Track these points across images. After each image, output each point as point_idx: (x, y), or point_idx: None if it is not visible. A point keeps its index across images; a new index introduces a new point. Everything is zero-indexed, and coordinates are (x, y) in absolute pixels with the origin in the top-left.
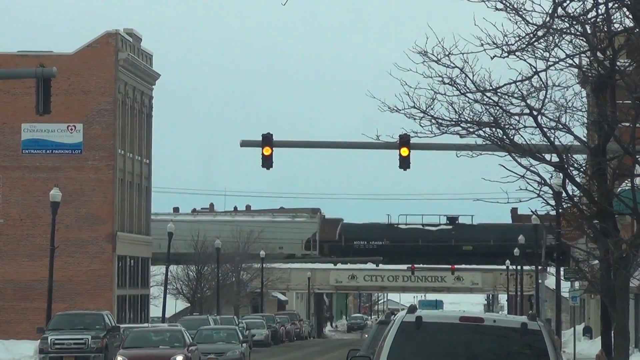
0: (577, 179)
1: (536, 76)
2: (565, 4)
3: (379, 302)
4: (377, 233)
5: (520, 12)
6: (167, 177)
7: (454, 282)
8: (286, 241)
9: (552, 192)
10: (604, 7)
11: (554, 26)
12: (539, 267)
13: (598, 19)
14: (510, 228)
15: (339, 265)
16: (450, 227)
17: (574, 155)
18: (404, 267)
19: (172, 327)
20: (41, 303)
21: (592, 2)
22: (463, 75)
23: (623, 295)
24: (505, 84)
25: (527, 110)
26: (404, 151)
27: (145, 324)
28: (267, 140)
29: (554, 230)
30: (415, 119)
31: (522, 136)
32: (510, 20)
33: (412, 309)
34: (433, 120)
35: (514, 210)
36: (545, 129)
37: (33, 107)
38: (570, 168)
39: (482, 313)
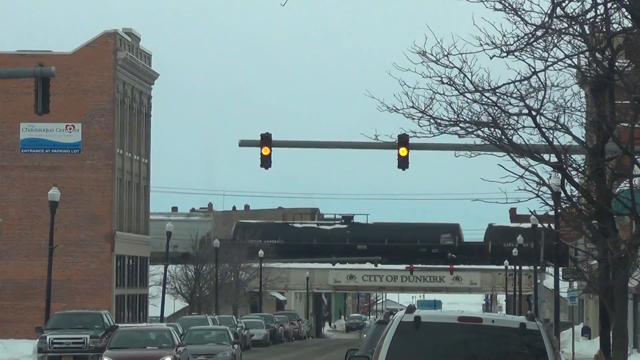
0: (576, 179)
1: (535, 76)
2: (564, 4)
3: (378, 302)
4: (271, 232)
5: (519, 12)
6: (166, 177)
7: (452, 282)
8: (181, 240)
9: (550, 193)
10: (603, 8)
11: (553, 26)
12: (538, 268)
13: (597, 19)
14: (406, 228)
15: (338, 265)
16: (345, 226)
17: (572, 156)
18: (403, 267)
19: (160, 326)
20: (40, 302)
21: (591, 2)
22: (462, 75)
23: (622, 295)
24: (504, 84)
25: (525, 111)
26: (403, 151)
27: (143, 324)
28: (265, 140)
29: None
30: (414, 118)
31: (520, 136)
32: (509, 20)
33: (410, 309)
34: (432, 120)
35: (512, 211)
36: (544, 129)
37: (32, 107)
38: (569, 168)
39: (481, 313)
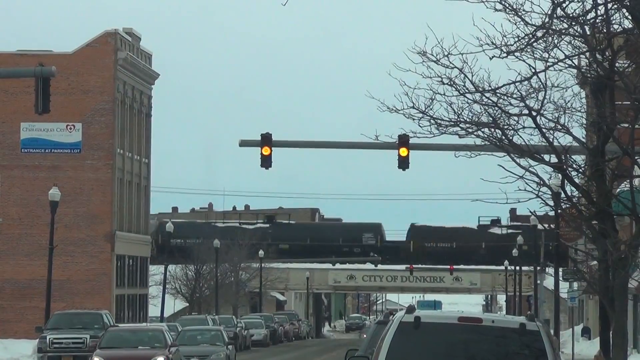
0: (576, 180)
1: (535, 77)
2: (564, 5)
3: (378, 303)
4: (193, 231)
5: (520, 13)
6: (166, 177)
7: (452, 282)
8: None
9: (550, 193)
10: (603, 8)
11: (553, 27)
12: (538, 268)
13: (597, 20)
14: (328, 227)
15: (338, 265)
16: (267, 225)
17: (572, 156)
18: (403, 267)
19: (152, 326)
20: (40, 302)
21: (592, 3)
22: (462, 75)
23: (621, 295)
24: (504, 85)
25: (526, 111)
26: (403, 151)
27: (143, 324)
28: (266, 140)
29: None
30: (414, 119)
31: (521, 137)
32: (509, 20)
33: (410, 309)
34: (432, 121)
35: (512, 211)
36: (544, 130)
37: (32, 106)
38: (569, 169)
39: (481, 313)
